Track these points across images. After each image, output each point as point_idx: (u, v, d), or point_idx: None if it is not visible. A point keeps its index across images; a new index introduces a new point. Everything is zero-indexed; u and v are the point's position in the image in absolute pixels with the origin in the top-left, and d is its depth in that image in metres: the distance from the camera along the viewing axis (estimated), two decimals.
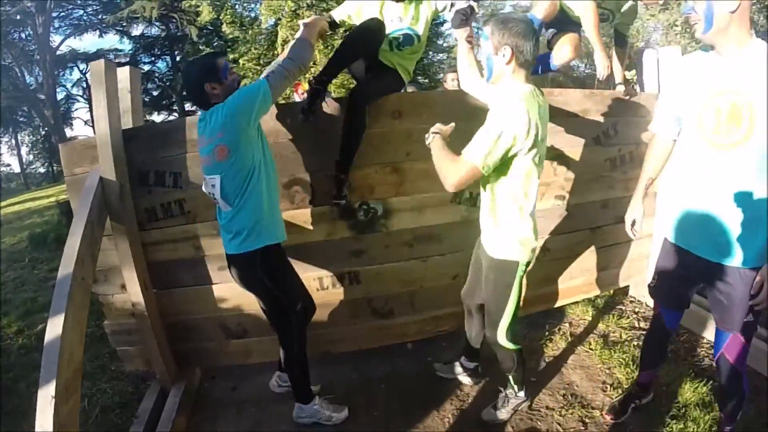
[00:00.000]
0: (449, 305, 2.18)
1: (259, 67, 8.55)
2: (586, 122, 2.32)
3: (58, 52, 19.24)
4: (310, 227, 2.00)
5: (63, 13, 18.81)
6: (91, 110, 2.26)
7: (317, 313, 2.03)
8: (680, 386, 2.05)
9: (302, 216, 1.92)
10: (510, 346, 1.75)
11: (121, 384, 2.42)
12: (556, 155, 2.26)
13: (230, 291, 2.02)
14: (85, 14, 19.08)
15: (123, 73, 2.07)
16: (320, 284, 2.05)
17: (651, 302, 2.52)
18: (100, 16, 18.46)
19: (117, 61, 20.08)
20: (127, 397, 2.30)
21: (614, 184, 2.45)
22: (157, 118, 20.83)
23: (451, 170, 1.48)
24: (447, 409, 2.03)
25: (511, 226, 1.59)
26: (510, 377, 1.88)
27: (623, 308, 2.83)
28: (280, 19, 10.17)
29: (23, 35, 18.75)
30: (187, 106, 20.84)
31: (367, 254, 2.08)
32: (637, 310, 2.80)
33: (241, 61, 9.22)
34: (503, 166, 1.49)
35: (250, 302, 2.01)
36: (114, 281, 2.02)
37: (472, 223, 1.92)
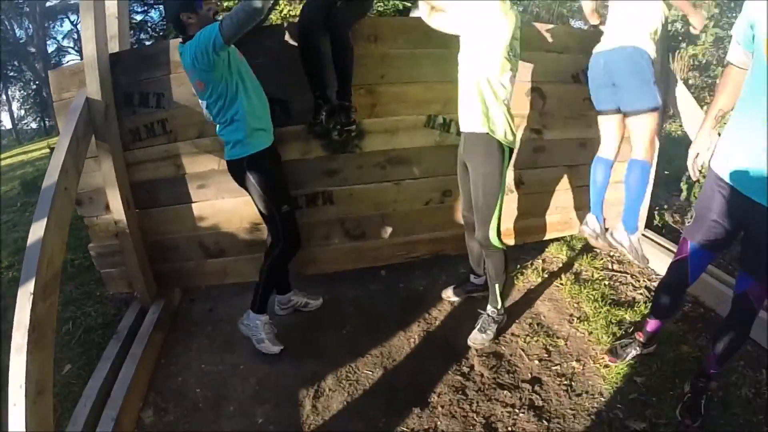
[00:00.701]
0: (423, 231, 2.30)
1: None
2: (566, 59, 2.39)
3: (48, 4, 18.90)
4: (286, 144, 2.10)
5: None
6: (80, 39, 2.34)
7: None
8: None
9: (278, 135, 2.00)
10: (500, 244, 1.91)
11: (105, 307, 2.55)
12: (533, 89, 2.35)
13: (209, 209, 2.15)
14: None
15: (111, 2, 2.13)
16: (295, 203, 2.15)
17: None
18: None
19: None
20: (110, 318, 2.43)
21: (593, 124, 2.46)
22: None
23: None
24: (414, 331, 2.16)
25: (489, 105, 1.74)
26: (497, 288, 2.01)
27: (598, 251, 2.89)
28: None
29: None
30: None
31: (340, 174, 2.18)
32: (612, 253, 2.86)
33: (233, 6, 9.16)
34: (482, 55, 1.67)
35: (227, 220, 2.15)
36: (98, 202, 2.14)
37: (445, 149, 2.02)
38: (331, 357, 1.99)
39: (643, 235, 2.73)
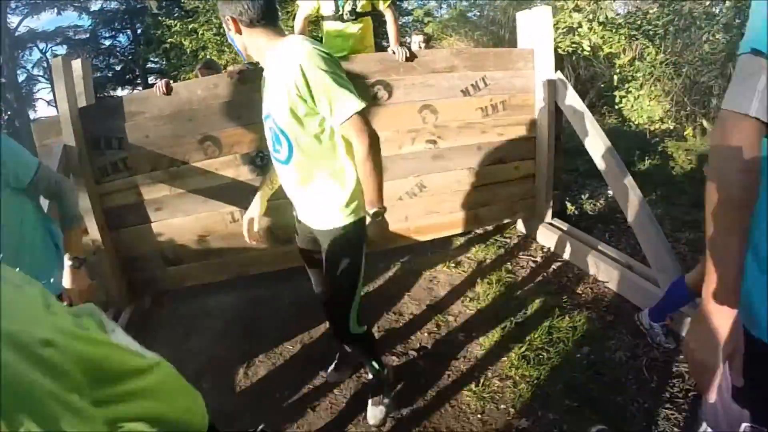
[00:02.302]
0: None
1: (218, 37, 9.07)
2: (453, 77, 2.91)
3: (16, 33, 19.38)
4: (221, 173, 2.72)
5: None
6: (53, 90, 2.94)
7: (233, 240, 2.79)
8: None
9: (214, 164, 2.66)
10: (361, 330, 1.77)
11: None
12: (424, 106, 2.89)
13: (165, 227, 2.77)
14: None
15: (76, 64, 2.77)
16: (232, 218, 2.78)
17: (539, 236, 3.23)
18: None
19: (77, 37, 20.38)
20: None
21: (487, 130, 3.05)
22: (121, 92, 21.23)
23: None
24: None
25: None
26: (372, 362, 1.93)
27: (507, 241, 3.43)
28: None
29: None
30: (150, 79, 21.21)
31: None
32: (521, 243, 3.39)
33: (200, 30, 9.73)
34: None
35: (180, 234, 2.78)
36: None
37: None
38: (264, 338, 2.58)
39: (549, 223, 3.31)
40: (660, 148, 5.05)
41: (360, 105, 1.37)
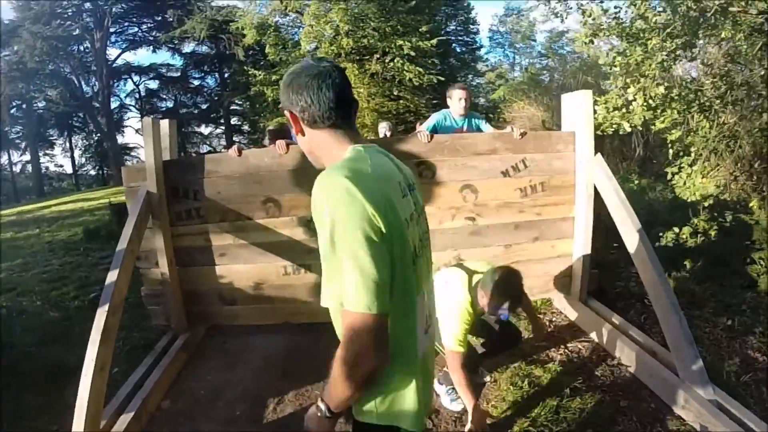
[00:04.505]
0: None
1: None
2: (494, 158, 3.17)
3: (113, 65, 21.66)
4: (279, 231, 3.11)
5: (120, 29, 21.28)
6: (142, 118, 3.44)
7: (283, 290, 3.15)
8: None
9: (274, 223, 3.06)
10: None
11: (147, 334, 3.51)
12: (465, 185, 3.17)
13: (226, 271, 3.18)
14: (140, 31, 21.64)
15: (164, 123, 3.24)
16: (285, 270, 3.15)
17: (571, 314, 3.31)
18: (153, 33, 20.81)
19: (169, 74, 22.52)
20: (150, 342, 3.35)
21: (525, 209, 3.24)
22: (204, 130, 23.06)
23: None
24: None
25: None
26: None
27: (541, 317, 3.42)
28: (319, 43, 11.62)
29: (82, 47, 21.35)
30: (233, 120, 22.89)
31: (316, 252, 3.09)
32: (554, 319, 3.44)
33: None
34: None
35: (238, 279, 3.16)
36: (151, 259, 3.17)
37: None
38: (297, 379, 2.83)
39: (584, 302, 3.33)
40: (717, 222, 4.97)
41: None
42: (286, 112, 1.11)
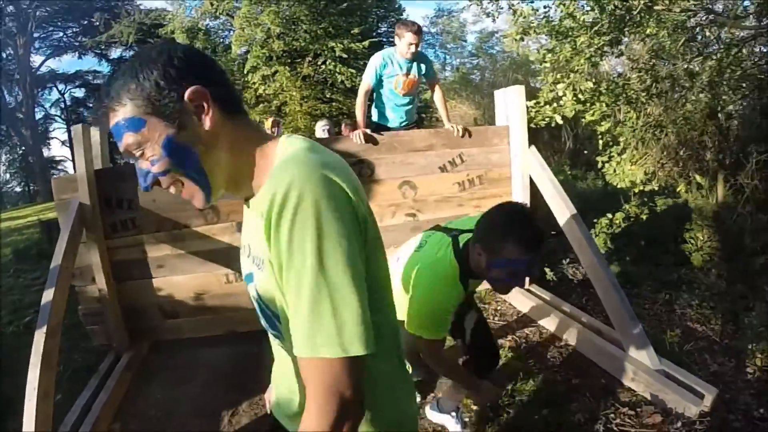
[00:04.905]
0: None
1: None
2: (431, 155, 3.26)
3: (37, 73, 20.42)
4: (218, 238, 3.04)
5: (44, 35, 20.08)
6: (72, 155, 3.28)
7: (226, 299, 3.08)
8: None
9: (212, 230, 3.00)
10: None
11: (88, 355, 3.35)
12: (404, 182, 3.24)
13: (165, 283, 3.06)
14: (65, 36, 20.52)
15: (95, 131, 3.09)
16: (226, 279, 3.09)
17: (515, 301, 3.41)
18: (79, 39, 19.77)
19: (95, 81, 21.45)
20: (92, 363, 3.18)
21: (464, 203, 3.35)
22: None
23: None
24: None
25: None
26: None
27: (486, 306, 3.58)
28: (250, 46, 11.44)
29: (4, 54, 19.99)
30: None
31: None
32: (499, 308, 3.55)
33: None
34: None
35: (178, 291, 3.06)
36: (87, 276, 3.01)
37: None
38: (249, 389, 2.78)
39: (526, 289, 3.46)
40: (648, 207, 5.27)
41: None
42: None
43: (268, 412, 1.16)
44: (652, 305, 3.38)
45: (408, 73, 3.58)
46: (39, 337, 2.23)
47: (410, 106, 3.86)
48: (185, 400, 2.77)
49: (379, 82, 3.63)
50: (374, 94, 3.76)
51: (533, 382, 2.56)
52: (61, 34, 20.42)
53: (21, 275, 5.86)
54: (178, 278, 3.08)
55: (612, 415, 2.27)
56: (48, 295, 2.39)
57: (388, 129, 3.73)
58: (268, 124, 4.67)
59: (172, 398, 2.78)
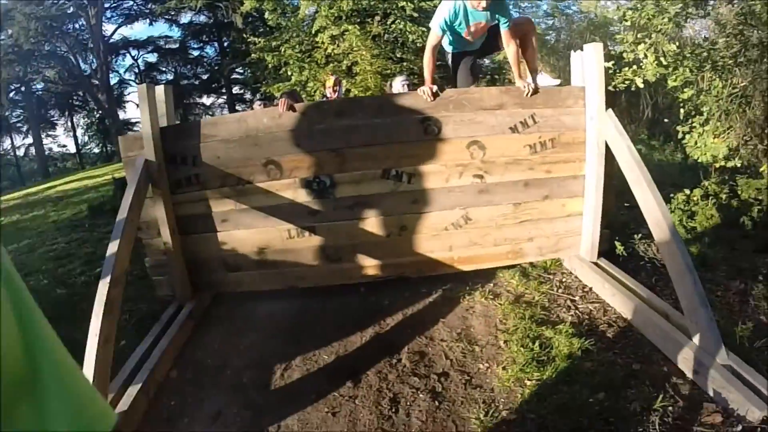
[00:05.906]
0: (386, 257, 3.14)
1: (300, 54, 9.66)
2: (501, 114, 3.03)
3: (110, 41, 21.32)
4: (281, 194, 3.03)
5: (114, 4, 20.87)
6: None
7: (288, 255, 3.09)
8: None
9: (275, 185, 2.98)
10: None
11: (153, 305, 3.48)
12: (472, 142, 3.04)
13: (228, 237, 3.11)
14: (135, 4, 21.09)
15: (159, 90, 3.14)
16: (288, 234, 3.08)
17: (582, 274, 3.23)
18: (149, 6, 20.38)
19: (167, 47, 22.19)
20: (156, 313, 3.30)
21: (534, 167, 3.10)
22: (207, 100, 22.94)
23: None
24: (368, 332, 2.90)
25: None
26: None
27: (550, 277, 3.40)
28: (319, 6, 11.33)
29: (77, 25, 20.96)
30: (235, 89, 22.54)
31: (320, 214, 3.07)
32: (564, 280, 3.36)
33: (282, 48, 10.42)
34: None
35: (241, 245, 3.09)
36: (153, 229, 3.11)
37: (398, 194, 2.85)
38: (304, 345, 2.81)
39: (594, 263, 3.26)
40: (728, 185, 4.86)
41: None
42: None
43: None
44: (725, 293, 3.02)
45: (481, 23, 3.30)
46: (102, 287, 2.31)
47: (479, 44, 3.59)
48: (241, 351, 2.83)
49: (451, 32, 3.37)
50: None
51: (591, 363, 2.41)
52: (131, 2, 21.07)
53: (95, 229, 6.23)
54: (241, 233, 3.11)
55: (670, 408, 2.08)
56: (113, 247, 2.47)
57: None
58: (330, 82, 4.56)
59: (228, 349, 2.85)
